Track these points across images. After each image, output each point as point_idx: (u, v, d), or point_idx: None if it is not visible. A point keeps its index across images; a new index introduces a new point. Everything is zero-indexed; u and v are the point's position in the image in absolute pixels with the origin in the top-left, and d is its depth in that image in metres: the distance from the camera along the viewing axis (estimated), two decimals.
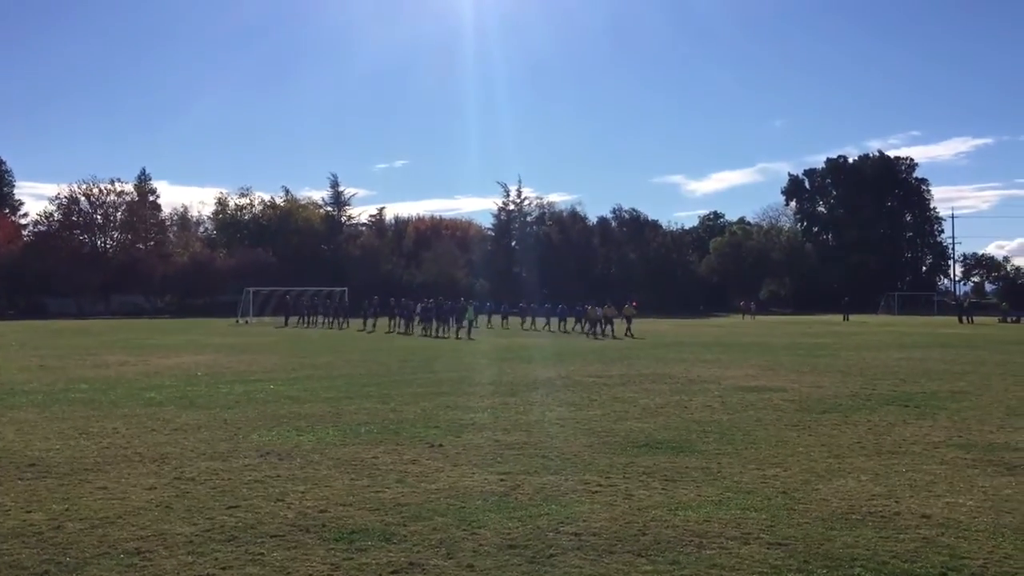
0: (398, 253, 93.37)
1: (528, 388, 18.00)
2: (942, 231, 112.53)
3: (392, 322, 45.21)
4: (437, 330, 41.29)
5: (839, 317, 67.93)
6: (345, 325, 49.20)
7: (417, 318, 44.19)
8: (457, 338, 38.18)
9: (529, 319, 49.74)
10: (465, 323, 41.09)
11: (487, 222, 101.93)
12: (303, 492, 8.53)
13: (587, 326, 42.15)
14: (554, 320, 47.24)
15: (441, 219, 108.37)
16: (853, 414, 14.06)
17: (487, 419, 13.44)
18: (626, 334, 39.51)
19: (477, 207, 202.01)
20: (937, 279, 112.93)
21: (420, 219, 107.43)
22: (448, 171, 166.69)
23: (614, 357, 27.06)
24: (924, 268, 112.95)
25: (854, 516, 7.69)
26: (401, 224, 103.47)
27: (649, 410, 14.52)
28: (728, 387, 18.02)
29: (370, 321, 46.68)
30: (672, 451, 10.74)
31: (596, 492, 8.55)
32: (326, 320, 52.11)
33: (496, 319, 52.98)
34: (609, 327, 41.11)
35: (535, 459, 10.20)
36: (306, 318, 52.88)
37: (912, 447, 11.10)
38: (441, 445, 11.13)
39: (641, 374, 21.05)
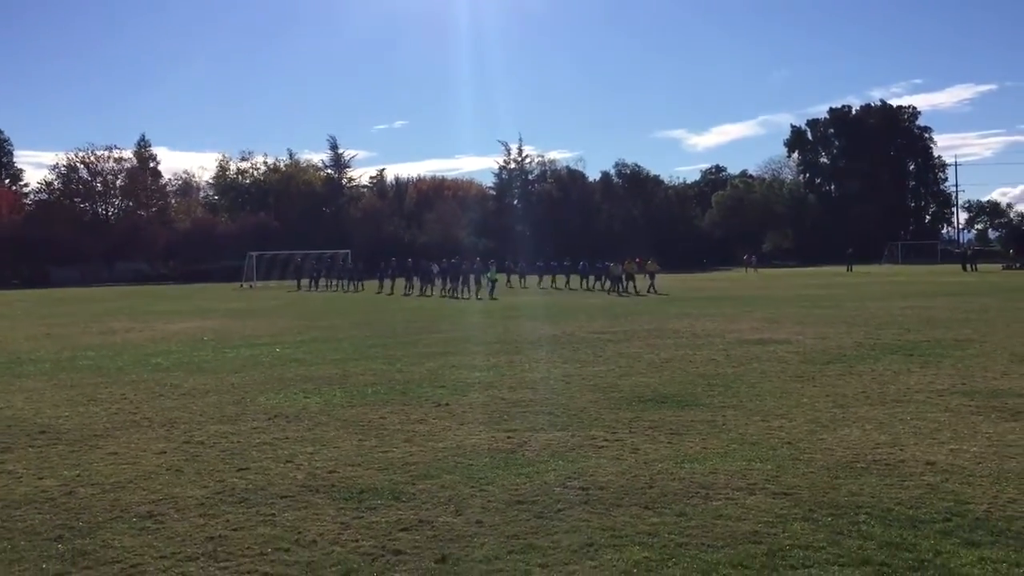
0: (400, 214, 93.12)
1: (532, 346, 18.06)
2: (945, 179, 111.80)
3: (408, 284, 44.95)
4: (455, 291, 40.95)
5: (843, 268, 67.83)
6: (360, 288, 48.91)
7: (437, 279, 44.05)
8: (478, 298, 38.04)
9: (548, 278, 49.19)
10: (486, 283, 40.71)
11: (488, 181, 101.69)
12: (312, 453, 8.61)
13: (608, 283, 42.03)
14: (575, 278, 47.03)
15: (442, 179, 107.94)
16: (857, 364, 14.10)
17: (492, 377, 13.52)
18: (649, 290, 39.22)
19: (478, 166, 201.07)
20: (941, 227, 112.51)
21: (421, 179, 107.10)
22: (448, 131, 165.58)
23: (619, 313, 27.11)
24: (927, 217, 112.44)
25: (859, 464, 7.75)
26: (402, 185, 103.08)
27: (654, 365, 14.58)
28: (733, 340, 18.07)
29: (387, 283, 46.46)
30: (678, 405, 10.80)
31: (602, 447, 8.62)
32: (339, 283, 51.81)
33: (514, 279, 52.70)
34: (631, 284, 40.91)
35: (541, 416, 10.27)
36: (315, 281, 52.75)
37: (916, 395, 11.15)
38: (447, 404, 11.19)
39: (646, 329, 21.10)
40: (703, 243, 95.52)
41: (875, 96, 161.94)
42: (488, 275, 40.95)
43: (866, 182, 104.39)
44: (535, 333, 20.95)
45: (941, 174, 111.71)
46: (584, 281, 45.50)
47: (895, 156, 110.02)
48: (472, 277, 41.47)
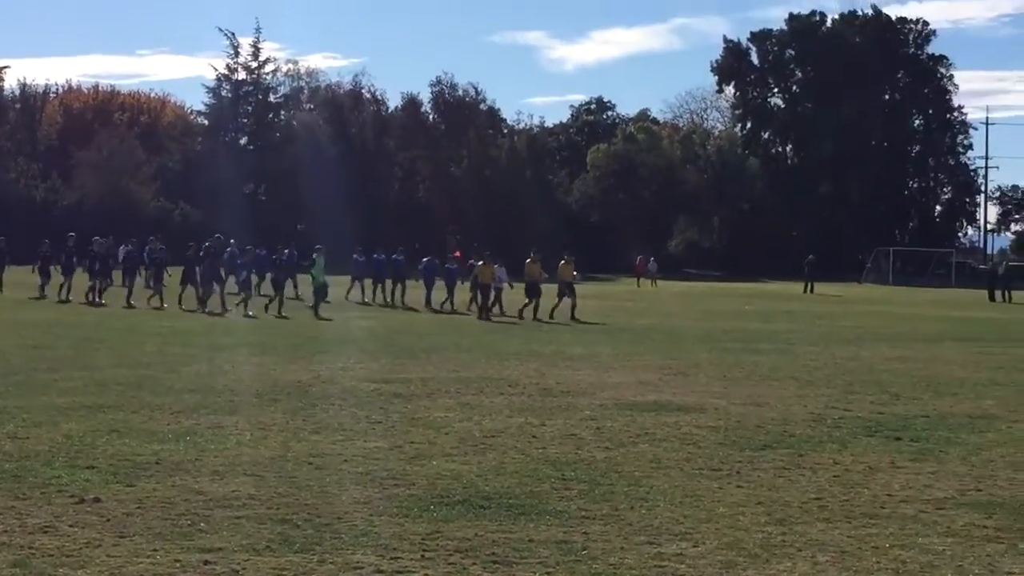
0: (29, 152, 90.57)
1: (261, 400, 18.00)
2: (969, 146, 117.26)
3: (66, 280, 42.32)
4: (208, 297, 39.20)
5: (799, 286, 70.41)
6: None
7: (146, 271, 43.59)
8: (281, 315, 37.36)
9: (367, 283, 47.46)
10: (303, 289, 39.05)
11: (197, 101, 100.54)
12: None
13: (476, 298, 41.37)
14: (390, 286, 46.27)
15: (112, 92, 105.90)
16: (811, 451, 14.65)
17: (183, 454, 13.37)
18: (572, 317, 38.64)
19: (178, 73, 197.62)
20: (959, 226, 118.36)
21: (72, 91, 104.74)
22: (124, 5, 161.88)
23: (416, 347, 27.23)
24: (938, 208, 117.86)
25: None
26: (35, 99, 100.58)
27: (471, 442, 14.72)
28: (607, 403, 18.47)
29: (55, 278, 43.92)
30: (508, 513, 10.94)
31: None
32: None
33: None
34: (532, 303, 39.33)
35: (267, 527, 10.21)
36: None
37: (902, 507, 11.68)
38: (98, 500, 10.98)
39: (461, 377, 21.32)
40: (569, 230, 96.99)
41: None
42: (316, 271, 38.79)
43: (843, 143, 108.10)
44: (265, 377, 20.86)
45: (963, 137, 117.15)
46: (430, 293, 44.62)
47: (892, 102, 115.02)
48: (239, 276, 39.67)
